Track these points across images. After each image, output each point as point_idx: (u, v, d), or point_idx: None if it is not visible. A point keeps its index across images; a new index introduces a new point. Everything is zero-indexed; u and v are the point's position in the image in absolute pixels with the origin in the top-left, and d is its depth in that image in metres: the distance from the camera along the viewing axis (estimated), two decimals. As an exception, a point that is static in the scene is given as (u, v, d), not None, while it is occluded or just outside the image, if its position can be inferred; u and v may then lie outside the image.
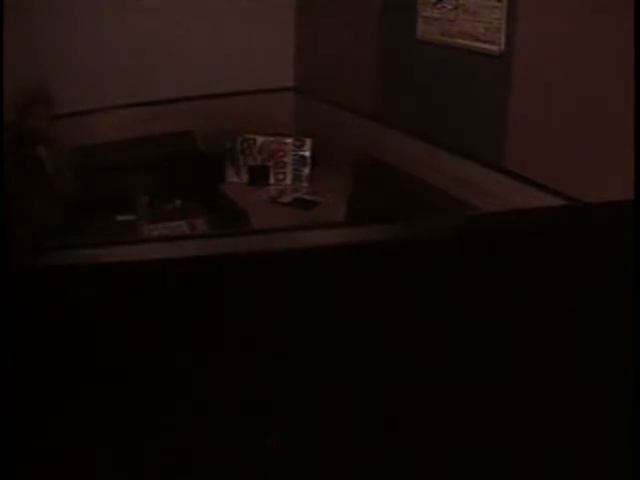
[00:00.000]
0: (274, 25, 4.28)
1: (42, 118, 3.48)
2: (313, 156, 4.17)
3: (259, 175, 4.20)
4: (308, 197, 4.01)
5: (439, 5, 3.24)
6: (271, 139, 4.20)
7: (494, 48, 2.96)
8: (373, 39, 3.72)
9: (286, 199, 4.01)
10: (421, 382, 0.79)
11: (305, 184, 4.18)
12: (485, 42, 3.01)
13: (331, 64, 4.12)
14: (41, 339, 0.70)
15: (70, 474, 0.74)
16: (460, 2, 3.13)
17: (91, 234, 3.50)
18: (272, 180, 4.21)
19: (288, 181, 4.20)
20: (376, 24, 3.68)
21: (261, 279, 0.74)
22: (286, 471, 0.79)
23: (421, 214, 2.39)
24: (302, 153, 4.18)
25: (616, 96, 2.41)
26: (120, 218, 3.80)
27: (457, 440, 0.82)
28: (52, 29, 3.66)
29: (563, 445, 0.85)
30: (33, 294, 0.69)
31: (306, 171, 4.19)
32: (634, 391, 0.82)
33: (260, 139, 4.20)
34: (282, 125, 4.34)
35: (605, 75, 2.48)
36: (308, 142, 4.17)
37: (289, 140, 4.19)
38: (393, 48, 3.61)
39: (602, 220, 0.83)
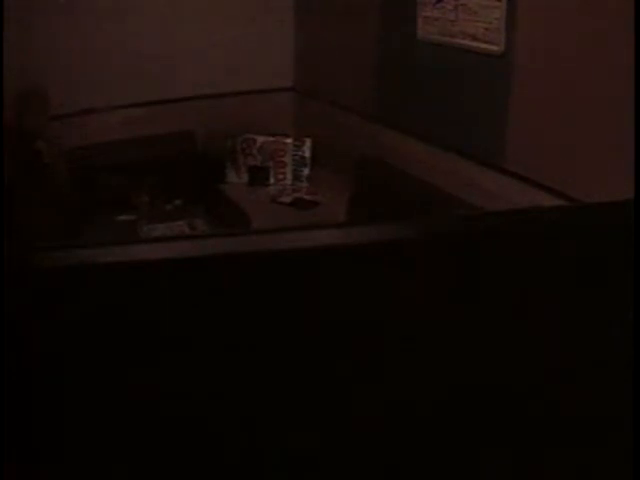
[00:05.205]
0: (274, 25, 4.28)
1: (40, 114, 3.51)
2: (313, 156, 4.17)
3: (259, 175, 4.20)
4: (308, 197, 4.01)
5: (439, 5, 3.24)
6: (271, 139, 4.20)
7: (494, 48, 2.96)
8: (373, 39, 3.72)
9: (286, 199, 4.01)
10: (420, 382, 0.79)
11: (305, 184, 4.18)
12: (485, 42, 3.01)
13: (331, 64, 4.12)
14: (40, 340, 0.70)
15: (68, 473, 0.75)
16: (460, 2, 3.13)
17: (91, 234, 3.51)
18: (272, 180, 4.21)
19: (288, 181, 4.20)
20: (376, 24, 3.68)
21: (261, 279, 0.74)
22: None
23: (421, 214, 2.39)
24: (302, 153, 4.18)
25: (616, 96, 2.41)
26: (120, 218, 3.81)
27: (462, 440, 0.82)
28: (52, 29, 3.66)
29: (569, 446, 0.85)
30: (33, 294, 0.69)
31: (306, 171, 4.19)
32: (634, 391, 0.82)
33: (260, 139, 4.20)
34: (282, 125, 4.34)
35: (605, 75, 2.48)
36: (308, 142, 4.17)
37: (289, 140, 4.19)
38: (393, 48, 3.61)
39: (602, 220, 0.83)
